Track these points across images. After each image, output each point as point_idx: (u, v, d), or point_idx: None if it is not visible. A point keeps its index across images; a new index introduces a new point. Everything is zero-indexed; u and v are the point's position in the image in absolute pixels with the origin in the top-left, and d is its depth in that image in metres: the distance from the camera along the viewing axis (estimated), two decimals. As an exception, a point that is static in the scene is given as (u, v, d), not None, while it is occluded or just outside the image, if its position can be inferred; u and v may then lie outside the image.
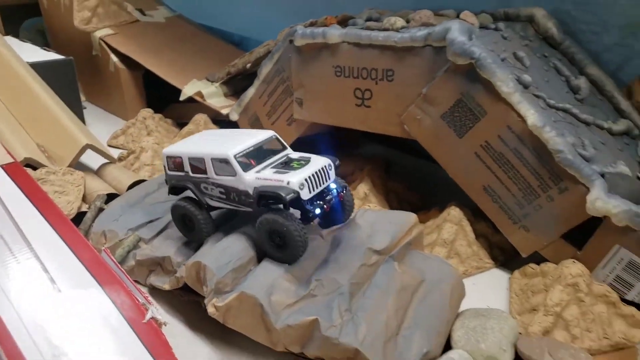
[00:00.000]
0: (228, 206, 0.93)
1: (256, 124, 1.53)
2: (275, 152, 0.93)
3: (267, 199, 0.85)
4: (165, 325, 0.86)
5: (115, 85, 2.08)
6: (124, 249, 1.06)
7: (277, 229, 0.84)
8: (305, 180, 0.83)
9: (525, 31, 1.15)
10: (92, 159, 1.51)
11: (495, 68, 0.94)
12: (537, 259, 1.02)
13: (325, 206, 0.87)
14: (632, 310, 0.88)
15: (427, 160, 1.17)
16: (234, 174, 0.87)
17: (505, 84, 0.93)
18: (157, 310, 0.86)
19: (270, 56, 1.41)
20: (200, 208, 0.94)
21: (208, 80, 1.81)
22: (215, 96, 1.74)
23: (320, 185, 0.86)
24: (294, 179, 0.82)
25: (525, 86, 0.99)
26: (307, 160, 0.89)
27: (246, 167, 0.87)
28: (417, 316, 0.84)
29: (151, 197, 1.23)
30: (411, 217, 0.97)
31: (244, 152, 0.89)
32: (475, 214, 1.14)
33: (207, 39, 2.22)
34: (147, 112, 1.84)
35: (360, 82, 1.17)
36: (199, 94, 1.74)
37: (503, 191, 1.02)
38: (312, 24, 1.32)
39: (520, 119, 0.94)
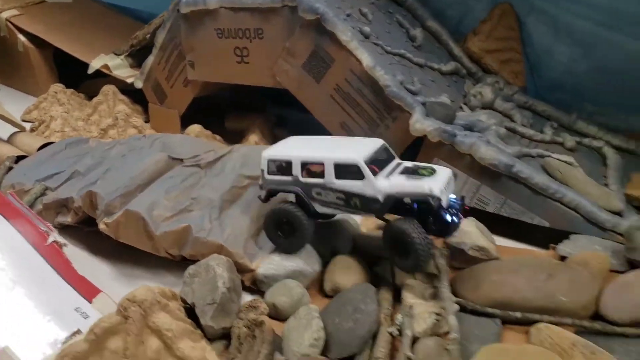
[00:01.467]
0: (340, 211, 0.92)
1: (158, 89, 1.69)
2: (387, 160, 0.93)
3: (407, 204, 0.85)
4: (66, 246, 1.03)
5: (26, 65, 2.16)
6: (32, 196, 1.21)
7: (402, 239, 0.84)
8: (444, 188, 0.83)
9: (373, -10, 1.39)
10: (4, 131, 1.62)
11: (336, 21, 1.16)
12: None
13: (460, 215, 0.87)
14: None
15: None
16: (361, 178, 0.86)
17: (344, 34, 1.15)
18: (58, 236, 1.03)
19: (163, 25, 1.58)
20: (307, 213, 0.93)
21: (115, 54, 1.94)
22: (121, 67, 1.88)
23: (449, 195, 0.87)
24: (435, 185, 0.82)
25: (366, 36, 1.22)
26: (433, 169, 0.88)
27: (373, 173, 0.87)
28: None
29: (59, 155, 1.37)
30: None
31: (369, 159, 0.88)
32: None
33: (115, 17, 2.33)
34: (58, 86, 1.95)
35: (237, 41, 1.36)
36: (106, 66, 1.88)
37: (354, 125, 1.24)
38: (196, -6, 1.49)
39: (358, 62, 1.16)
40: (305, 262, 0.96)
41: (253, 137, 1.50)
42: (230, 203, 1.06)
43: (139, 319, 0.79)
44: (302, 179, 0.92)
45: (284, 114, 1.77)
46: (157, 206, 1.01)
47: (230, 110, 1.83)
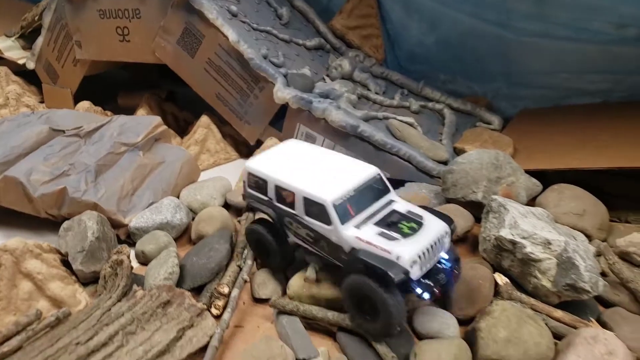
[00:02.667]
0: (313, 250, 0.80)
1: (50, 70, 1.73)
2: (376, 195, 0.79)
3: (368, 269, 0.70)
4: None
5: None
6: None
7: (369, 296, 0.70)
8: (420, 255, 0.69)
9: (246, -26, 1.51)
10: None
11: (202, 1, 1.28)
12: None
13: (436, 290, 0.70)
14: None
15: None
16: (329, 222, 0.74)
17: (210, 12, 1.27)
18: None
19: (49, 6, 1.62)
20: (276, 237, 0.83)
21: (6, 35, 1.95)
22: (13, 49, 1.89)
23: (433, 259, 0.72)
24: (406, 253, 0.68)
25: (234, 14, 1.34)
26: (419, 224, 0.73)
27: (345, 217, 0.73)
28: (150, 183, 1.16)
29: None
30: (155, 119, 1.28)
31: (344, 198, 0.74)
32: (223, 120, 1.49)
33: (8, 2, 2.31)
34: (-54, 69, 1.93)
35: (118, 21, 1.44)
36: (-3, 48, 1.89)
37: (228, 96, 1.37)
38: (78, -24, 1.55)
39: (225, 37, 1.29)
40: (173, 215, 1.08)
41: (141, 112, 1.59)
42: (107, 167, 1.16)
43: (10, 265, 0.88)
44: (275, 204, 0.81)
45: (175, 90, 1.87)
46: (35, 172, 1.09)
47: (123, 88, 1.91)
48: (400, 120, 1.30)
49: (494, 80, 1.47)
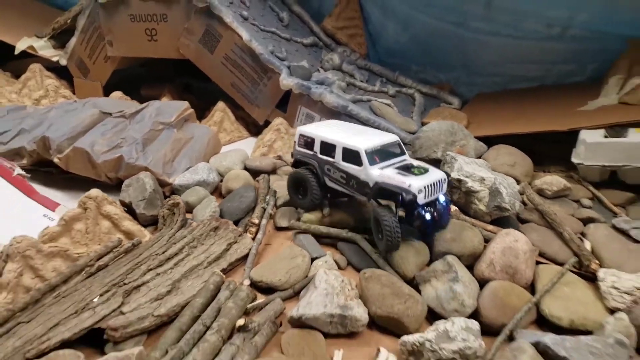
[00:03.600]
0: (343, 189, 1.03)
1: (81, 65, 2.01)
2: (395, 154, 1.03)
3: (386, 194, 0.94)
4: (29, 176, 1.38)
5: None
6: (-13, 149, 1.52)
7: (380, 221, 0.93)
8: (425, 187, 0.91)
9: (251, -15, 1.81)
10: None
11: (221, 7, 1.57)
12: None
13: (435, 214, 0.95)
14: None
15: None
16: (360, 164, 0.97)
17: (227, 17, 1.57)
18: (20, 170, 1.38)
19: (83, 12, 1.90)
20: (317, 180, 1.07)
21: (37, 36, 2.21)
22: (45, 48, 2.15)
23: (434, 195, 0.94)
24: (416, 183, 0.91)
25: (245, 18, 1.64)
26: (426, 170, 0.97)
27: (372, 162, 0.97)
28: (186, 153, 1.46)
29: (2, 119, 1.68)
30: (184, 104, 1.58)
31: (373, 149, 0.99)
32: (236, 106, 1.79)
33: (33, 5, 2.57)
34: (-15, 66, 2.19)
35: (147, 24, 1.73)
36: (31, 47, 2.15)
37: (241, 84, 1.67)
38: (110, -14, 1.83)
39: (239, 37, 1.59)
40: (208, 175, 1.38)
41: (165, 98, 1.88)
42: (150, 141, 1.45)
43: (94, 208, 1.17)
44: (319, 155, 1.05)
45: (190, 83, 2.16)
46: (96, 144, 1.37)
47: (145, 82, 2.19)
48: (380, 102, 1.62)
49: (455, 70, 1.80)
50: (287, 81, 1.56)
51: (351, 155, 0.99)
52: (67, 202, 1.40)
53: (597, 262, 0.94)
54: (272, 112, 1.66)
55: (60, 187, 1.47)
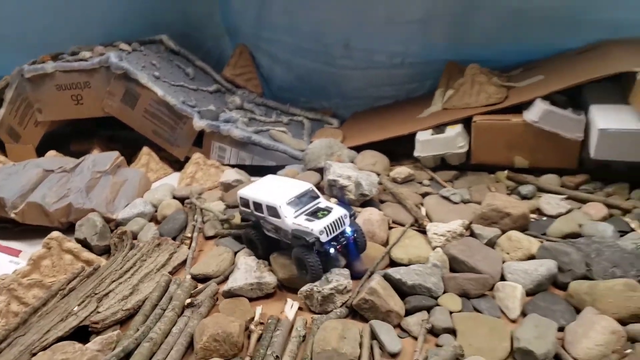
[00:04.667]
0: (278, 237, 1.23)
1: (12, 132, 2.23)
2: (310, 200, 1.20)
3: (299, 238, 1.11)
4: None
5: None
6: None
7: (301, 259, 1.12)
8: (324, 227, 1.09)
9: (158, 48, 2.14)
10: None
11: (136, 72, 1.89)
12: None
13: (338, 247, 1.12)
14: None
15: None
16: (278, 217, 1.17)
17: (142, 78, 1.89)
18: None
19: (10, 86, 2.13)
20: (259, 232, 1.27)
21: (-36, 111, 2.39)
22: (-26, 121, 2.34)
23: (336, 231, 1.12)
24: (317, 226, 1.09)
25: (157, 77, 1.98)
26: (330, 211, 1.14)
27: (289, 212, 1.16)
28: (123, 193, 1.76)
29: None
30: (115, 154, 1.86)
31: (288, 201, 1.17)
32: (159, 148, 2.10)
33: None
34: None
35: (73, 91, 2.00)
36: (-40, 121, 2.32)
37: (161, 131, 1.99)
38: (33, 62, 2.09)
39: (155, 93, 1.92)
40: (144, 207, 1.68)
41: (95, 151, 2.15)
42: (92, 187, 1.73)
43: (57, 246, 1.43)
44: (255, 212, 1.25)
45: (113, 134, 2.44)
46: (47, 196, 1.63)
47: (72, 138, 2.43)
48: (277, 130, 2.00)
49: (333, 98, 2.23)
50: (199, 123, 1.90)
51: (273, 210, 1.19)
52: (28, 249, 1.64)
53: (428, 220, 1.37)
54: (190, 149, 1.99)
55: (18, 238, 1.70)
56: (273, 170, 1.85)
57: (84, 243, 1.53)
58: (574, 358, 0.94)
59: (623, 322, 0.99)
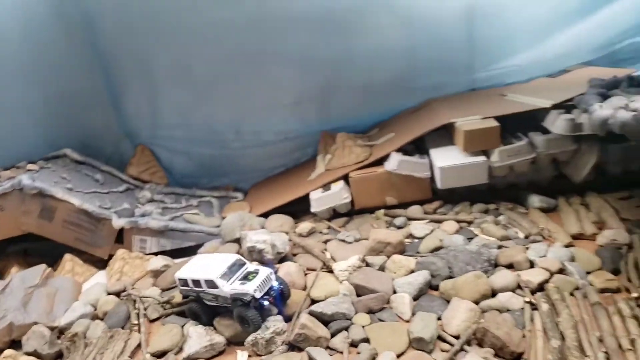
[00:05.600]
0: (217, 304, 1.45)
1: None
2: (239, 267, 1.45)
3: (238, 300, 1.36)
4: None
5: None
6: None
7: (243, 316, 1.38)
8: (257, 286, 1.36)
9: (64, 162, 2.32)
10: None
11: (50, 188, 2.06)
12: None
13: (269, 299, 1.39)
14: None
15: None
16: (216, 287, 1.40)
17: (57, 193, 2.07)
18: None
19: None
20: (202, 306, 1.49)
21: None
22: None
23: (266, 287, 1.39)
24: (250, 287, 1.35)
25: (70, 189, 2.15)
26: (258, 272, 1.41)
27: (223, 281, 1.40)
28: (59, 300, 1.88)
29: None
30: (41, 266, 1.98)
31: (222, 273, 1.41)
32: (80, 251, 2.23)
33: None
34: None
35: (-15, 216, 2.10)
36: None
37: (83, 236, 2.14)
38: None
39: (72, 204, 2.09)
40: (84, 308, 1.83)
41: (15, 269, 2.22)
42: (28, 303, 1.84)
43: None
44: (194, 288, 1.47)
45: (26, 247, 2.50)
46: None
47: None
48: (190, 213, 2.27)
49: (234, 175, 2.54)
50: (118, 223, 2.11)
51: (211, 283, 1.44)
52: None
53: (333, 261, 1.73)
54: (113, 247, 2.18)
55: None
56: (194, 249, 2.10)
57: (35, 354, 1.64)
58: (450, 334, 1.33)
59: (476, 302, 1.41)
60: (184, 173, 2.57)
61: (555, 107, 1.82)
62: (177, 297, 1.67)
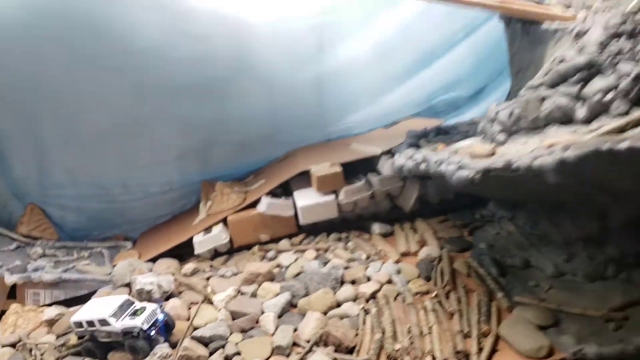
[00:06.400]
0: (110, 340, 1.63)
1: None
2: (128, 306, 1.66)
3: (128, 334, 1.58)
4: None
5: None
6: None
7: (133, 346, 1.58)
8: (144, 319, 1.57)
9: None
10: None
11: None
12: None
13: (156, 330, 1.61)
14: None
15: None
16: (108, 325, 1.59)
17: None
18: None
19: None
20: (96, 344, 1.68)
21: None
22: None
23: (153, 320, 1.60)
24: (138, 321, 1.56)
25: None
26: (145, 308, 1.62)
27: (116, 319, 1.61)
28: None
29: None
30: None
31: (113, 313, 1.61)
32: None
33: None
34: None
35: None
36: None
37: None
38: None
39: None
40: None
41: None
42: None
43: None
44: (89, 328, 1.66)
45: None
46: None
47: None
48: (83, 264, 2.45)
49: (122, 226, 2.73)
50: (10, 279, 2.23)
51: (104, 321, 1.66)
52: None
53: (214, 294, 2.04)
54: (5, 302, 2.29)
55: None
56: (88, 296, 2.29)
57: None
58: (303, 340, 1.70)
59: (325, 312, 1.80)
60: (75, 227, 2.73)
61: (384, 153, 2.32)
62: (73, 340, 1.87)
